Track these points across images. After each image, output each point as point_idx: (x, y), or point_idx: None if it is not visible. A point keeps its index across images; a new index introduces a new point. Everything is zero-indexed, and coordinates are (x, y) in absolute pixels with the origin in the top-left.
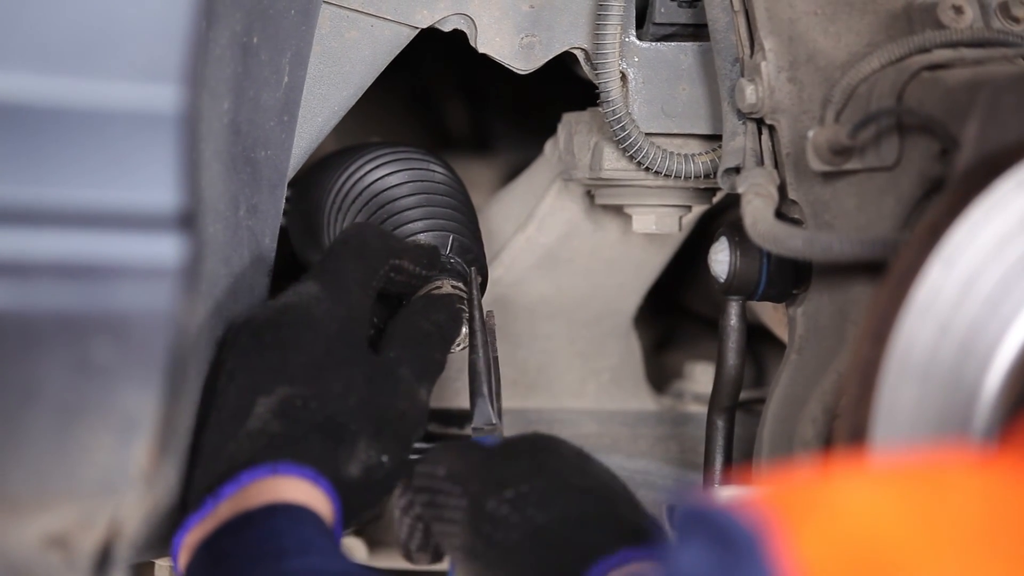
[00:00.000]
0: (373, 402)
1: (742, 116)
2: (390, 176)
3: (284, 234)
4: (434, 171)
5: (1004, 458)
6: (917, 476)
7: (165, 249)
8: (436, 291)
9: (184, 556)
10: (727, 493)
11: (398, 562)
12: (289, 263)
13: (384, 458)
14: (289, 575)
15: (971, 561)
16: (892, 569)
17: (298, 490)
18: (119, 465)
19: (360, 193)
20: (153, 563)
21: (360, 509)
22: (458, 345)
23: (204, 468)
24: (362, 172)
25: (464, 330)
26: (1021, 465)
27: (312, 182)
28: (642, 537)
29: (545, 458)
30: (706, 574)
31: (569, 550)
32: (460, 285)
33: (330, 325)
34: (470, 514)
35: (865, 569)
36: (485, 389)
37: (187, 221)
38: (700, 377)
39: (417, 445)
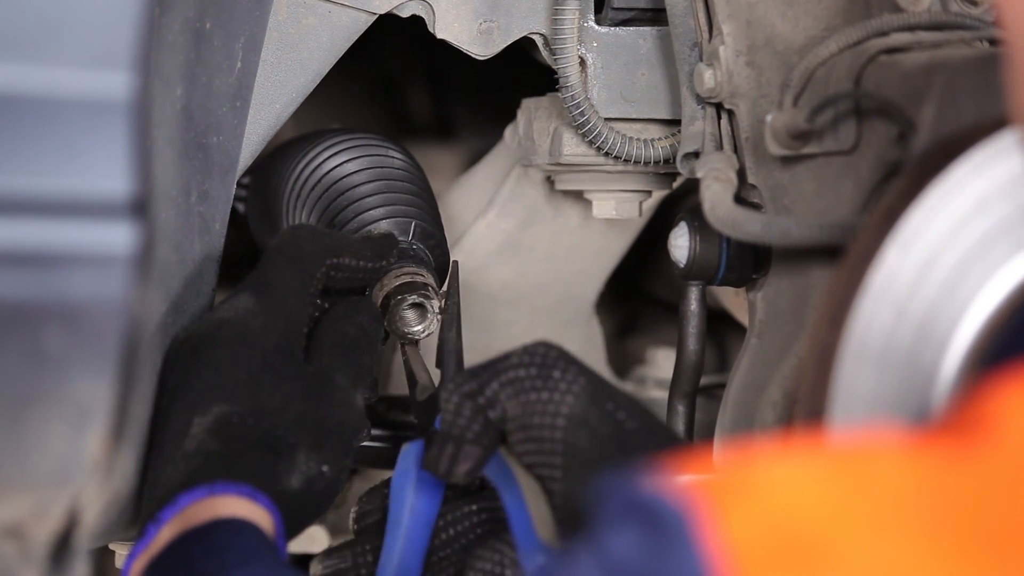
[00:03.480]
0: (311, 414)
1: (701, 101)
2: (348, 163)
3: (244, 221)
4: (392, 157)
5: (933, 438)
6: (844, 456)
7: (117, 236)
8: (387, 286)
9: None
10: (680, 479)
11: None
12: (248, 250)
13: (324, 468)
14: None
15: (895, 538)
16: (817, 546)
17: (238, 507)
18: (73, 454)
19: (319, 181)
20: (113, 552)
21: (303, 520)
22: (425, 332)
23: (148, 494)
24: (320, 159)
25: (432, 318)
26: (949, 445)
27: (270, 169)
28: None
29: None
30: (636, 557)
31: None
32: (421, 271)
33: (266, 339)
34: (590, 389)
35: (790, 547)
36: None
37: (139, 208)
38: (662, 363)
39: (366, 444)
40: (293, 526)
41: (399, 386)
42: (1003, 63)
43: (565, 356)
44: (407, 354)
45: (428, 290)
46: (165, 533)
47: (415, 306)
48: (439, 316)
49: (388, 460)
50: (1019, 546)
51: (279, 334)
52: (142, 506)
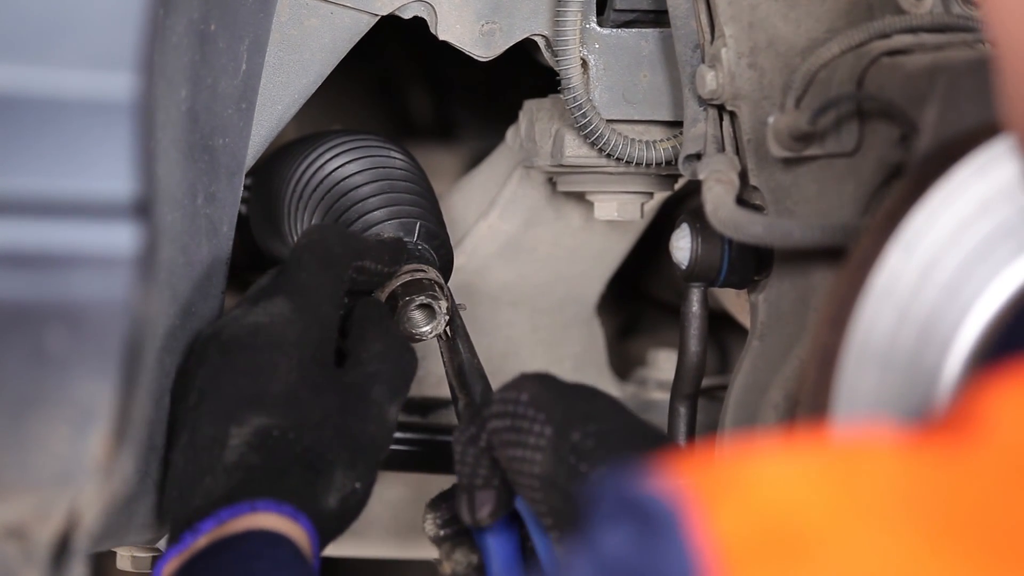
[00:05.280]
0: (347, 429)
1: (703, 102)
2: (349, 164)
3: (245, 222)
4: (394, 158)
5: (924, 435)
6: (834, 452)
7: (121, 238)
8: (392, 285)
9: None
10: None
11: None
12: (250, 251)
13: (357, 485)
14: None
15: (885, 532)
16: (806, 540)
17: (277, 525)
18: (75, 456)
19: (320, 182)
20: (115, 553)
21: (332, 537)
22: (432, 333)
23: (180, 499)
24: (321, 161)
25: (441, 318)
26: (939, 441)
27: (271, 171)
28: None
29: (616, 401)
30: (627, 554)
31: None
32: (423, 268)
33: (304, 350)
34: (554, 442)
35: (781, 541)
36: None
37: (143, 209)
38: (663, 364)
39: None
40: (326, 543)
41: None
42: (994, 68)
43: (536, 399)
44: (446, 363)
45: (435, 290)
46: (200, 543)
47: (423, 307)
48: (447, 316)
49: (409, 464)
50: (1009, 541)
51: (316, 344)
52: (169, 508)
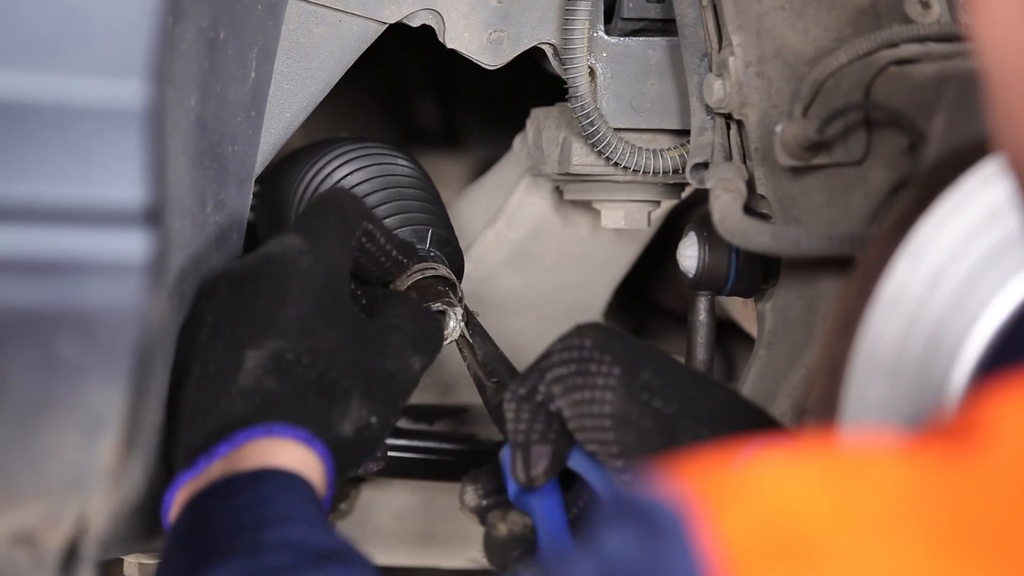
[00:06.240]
0: (363, 360)
1: (710, 111)
2: (357, 172)
3: (252, 229)
4: (402, 165)
5: (928, 442)
6: (839, 458)
7: (131, 245)
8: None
9: (174, 512)
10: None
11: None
12: None
13: (373, 419)
14: (270, 547)
15: (890, 539)
16: (811, 545)
17: (292, 453)
18: (86, 462)
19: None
20: (122, 560)
21: (348, 468)
22: (448, 340)
23: (194, 424)
24: (329, 169)
25: (456, 325)
26: (944, 448)
27: (279, 178)
28: (775, 426)
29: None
30: (631, 557)
31: (723, 426)
32: (434, 266)
33: (316, 279)
34: (624, 380)
35: (785, 545)
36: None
37: (153, 216)
38: None
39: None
40: (340, 473)
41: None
42: (983, 84)
43: (600, 343)
44: (467, 357)
45: (450, 296)
46: (215, 468)
47: (439, 313)
48: (462, 322)
49: (415, 471)
50: (1012, 548)
51: (327, 275)
52: (180, 435)
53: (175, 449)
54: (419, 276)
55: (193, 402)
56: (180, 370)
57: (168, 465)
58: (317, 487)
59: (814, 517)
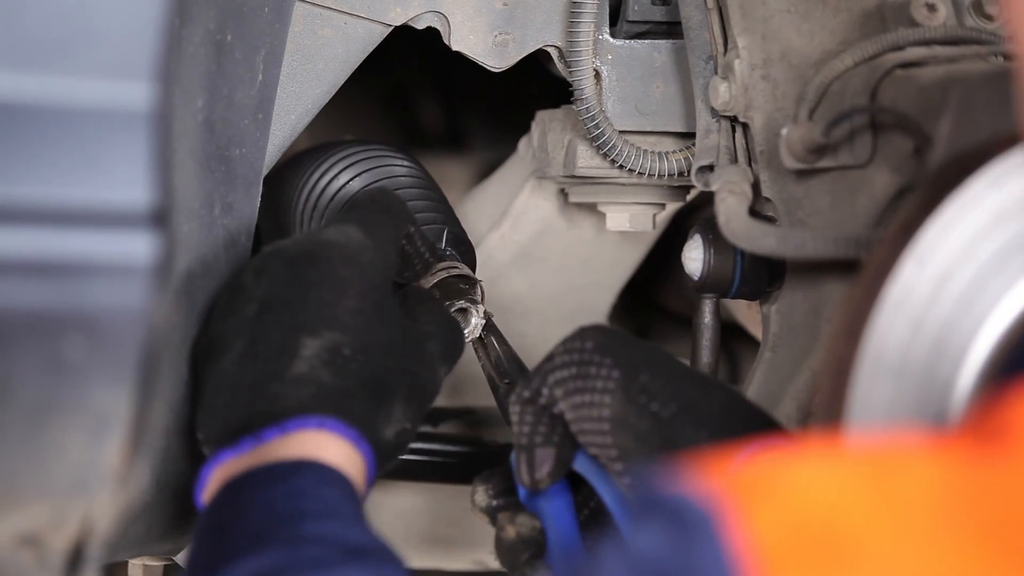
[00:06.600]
0: (408, 366)
1: (716, 114)
2: (364, 175)
3: (256, 231)
4: (405, 167)
5: (962, 441)
6: (873, 457)
7: (138, 247)
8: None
9: (210, 489)
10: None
11: None
12: None
13: (408, 425)
14: (305, 540)
15: (922, 539)
16: (843, 545)
17: (338, 449)
18: (91, 464)
19: (335, 195)
20: (126, 563)
21: (382, 471)
22: (468, 337)
23: (236, 401)
24: (334, 172)
25: (477, 323)
26: (978, 448)
27: (283, 180)
28: (776, 428)
29: (666, 352)
30: (663, 556)
31: (721, 429)
32: (457, 265)
33: (375, 276)
34: (623, 383)
35: (819, 547)
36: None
37: (160, 219)
38: None
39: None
40: (376, 475)
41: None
42: (1015, 79)
43: (601, 346)
44: (482, 357)
45: (473, 293)
46: (259, 451)
47: (461, 311)
48: (483, 320)
49: (421, 473)
50: None
51: (383, 274)
52: (223, 410)
53: (205, 420)
54: (444, 275)
55: (236, 378)
56: (215, 337)
57: (193, 432)
58: (357, 486)
59: (849, 517)
